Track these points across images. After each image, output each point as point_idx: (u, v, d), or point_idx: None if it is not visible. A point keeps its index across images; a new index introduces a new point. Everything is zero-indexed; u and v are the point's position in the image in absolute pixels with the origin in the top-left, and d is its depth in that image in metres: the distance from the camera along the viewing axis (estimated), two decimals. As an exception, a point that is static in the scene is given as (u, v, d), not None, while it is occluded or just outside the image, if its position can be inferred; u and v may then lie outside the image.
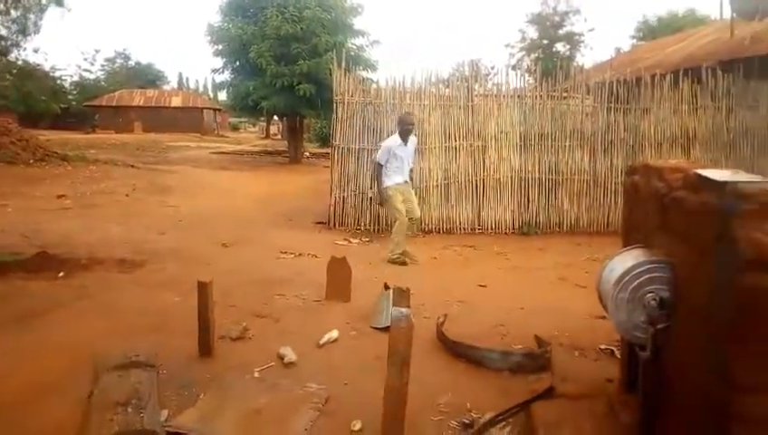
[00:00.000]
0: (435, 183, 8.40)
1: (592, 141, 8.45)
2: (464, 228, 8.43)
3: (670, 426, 2.12)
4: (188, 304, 3.74)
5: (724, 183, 1.82)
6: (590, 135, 8.46)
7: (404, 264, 6.34)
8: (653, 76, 8.58)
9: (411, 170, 6.91)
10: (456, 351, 3.44)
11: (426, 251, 7.29)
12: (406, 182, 6.72)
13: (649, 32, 31.36)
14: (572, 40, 32.75)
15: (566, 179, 8.49)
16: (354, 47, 17.95)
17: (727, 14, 12.23)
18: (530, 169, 8.47)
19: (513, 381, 3.12)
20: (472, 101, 8.44)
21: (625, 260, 2.33)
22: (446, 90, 8.89)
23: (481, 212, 8.48)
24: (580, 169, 8.47)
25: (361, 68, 17.10)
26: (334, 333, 3.65)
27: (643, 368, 2.20)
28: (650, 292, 2.17)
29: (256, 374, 3.14)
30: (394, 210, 6.61)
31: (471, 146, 8.40)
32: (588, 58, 36.79)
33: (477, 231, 8.41)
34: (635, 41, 31.01)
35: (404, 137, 6.55)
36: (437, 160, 8.39)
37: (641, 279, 2.19)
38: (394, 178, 6.57)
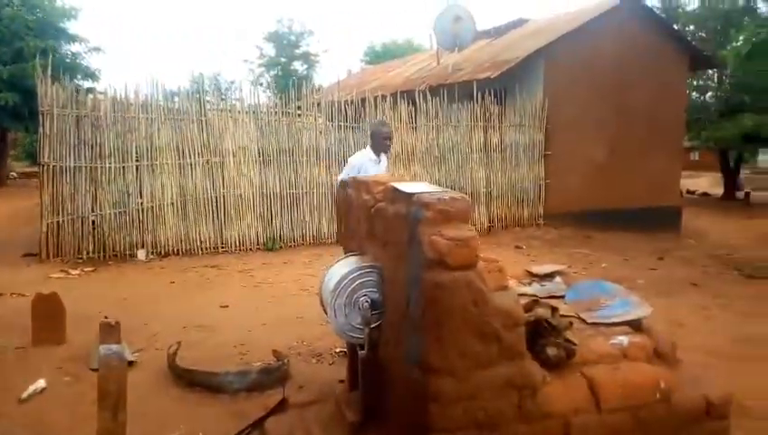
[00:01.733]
0: (170, 201, 7.90)
1: (327, 157, 8.94)
2: (206, 248, 8.10)
3: (388, 416, 2.32)
4: None
5: (411, 194, 2.08)
6: (325, 151, 8.94)
7: None
8: (376, 97, 9.49)
9: None
10: (191, 379, 3.26)
11: (163, 276, 6.79)
12: None
13: (375, 56, 34.69)
14: (309, 59, 34.38)
15: (306, 193, 8.81)
16: (70, 54, 15.94)
17: (435, 45, 14.14)
18: (271, 184, 8.56)
19: (249, 400, 3.08)
20: (205, 115, 8.19)
21: (341, 268, 2.49)
22: (177, 103, 8.43)
23: (224, 231, 8.27)
24: (318, 183, 8.88)
25: (80, 77, 15.26)
26: (40, 383, 3.14)
27: (362, 365, 2.37)
28: (363, 295, 2.36)
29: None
30: None
31: (207, 162, 8.13)
32: (324, 78, 39.11)
33: (221, 250, 8.17)
34: (363, 63, 33.98)
35: (377, 151, 5.05)
36: (171, 177, 7.91)
37: (355, 284, 2.36)
38: None
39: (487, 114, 9.84)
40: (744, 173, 25.34)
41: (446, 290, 1.92)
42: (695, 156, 38.11)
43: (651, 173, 10.75)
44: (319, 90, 10.74)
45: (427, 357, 1.94)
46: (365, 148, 5.16)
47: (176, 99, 8.44)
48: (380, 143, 4.96)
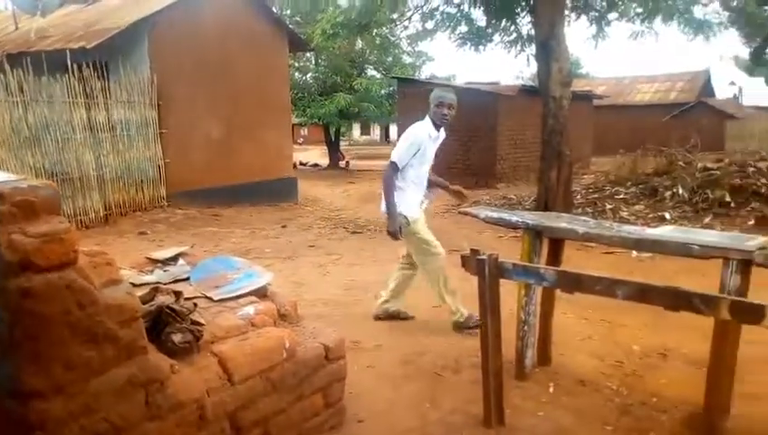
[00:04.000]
0: None
1: None
2: None
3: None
4: None
5: (-26, 184, 1.64)
6: None
7: (406, 318, 4.24)
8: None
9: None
10: None
11: None
12: (422, 202, 4.14)
13: None
14: None
15: None
16: None
17: (9, 5, 11.79)
18: None
19: None
20: None
21: None
22: None
23: None
24: None
25: None
26: None
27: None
28: None
29: None
30: (422, 246, 4.00)
31: None
32: None
33: None
34: None
35: (438, 125, 3.96)
36: None
37: None
38: (413, 198, 4.00)
39: (88, 89, 8.75)
40: (343, 145, 29.79)
41: (40, 297, 1.59)
42: (305, 131, 42.80)
43: (267, 148, 11.52)
44: None
45: (24, 381, 1.60)
46: (423, 120, 3.99)
47: None
48: (435, 114, 3.91)
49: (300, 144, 38.71)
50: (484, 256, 2.45)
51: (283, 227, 9.07)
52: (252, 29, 11.17)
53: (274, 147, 11.82)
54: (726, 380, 2.59)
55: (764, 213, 7.49)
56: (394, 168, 3.84)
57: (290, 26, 14.37)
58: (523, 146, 14.24)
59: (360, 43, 18.89)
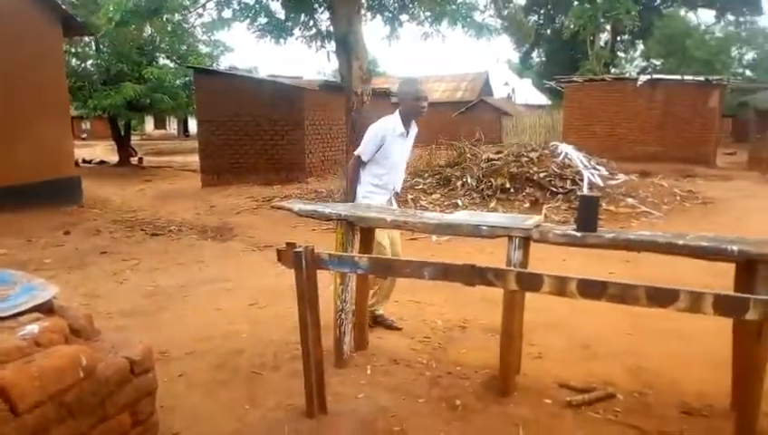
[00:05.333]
0: None
1: None
2: None
3: None
4: None
5: None
6: None
7: (391, 327, 3.85)
8: None
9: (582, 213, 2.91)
10: None
11: None
12: (390, 201, 3.76)
13: None
14: None
15: None
16: None
17: None
18: None
19: None
20: None
21: None
22: None
23: None
24: None
25: None
26: None
27: None
28: None
29: None
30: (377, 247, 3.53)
31: None
32: None
33: None
34: None
35: (408, 120, 3.69)
36: None
37: None
38: (377, 194, 3.70)
39: None
40: (135, 139, 27.31)
41: None
42: (87, 125, 38.28)
43: (41, 144, 10.01)
44: None
45: None
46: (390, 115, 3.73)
47: None
48: (412, 108, 3.65)
49: (83, 139, 34.57)
50: (300, 249, 2.44)
51: (67, 233, 8.01)
52: (17, 9, 9.60)
53: (50, 142, 10.32)
54: (516, 343, 2.96)
55: (537, 197, 8.72)
56: (357, 159, 3.71)
57: (63, 7, 12.69)
58: (331, 140, 14.55)
59: (149, 30, 17.39)
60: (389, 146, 3.65)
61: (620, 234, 2.60)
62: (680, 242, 2.41)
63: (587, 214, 2.66)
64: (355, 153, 3.77)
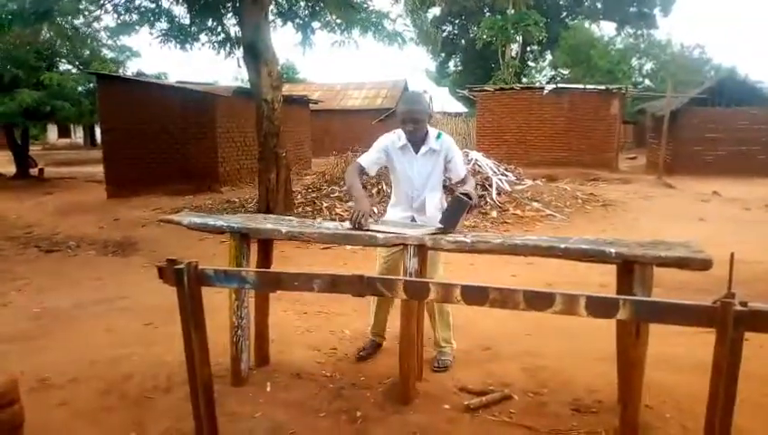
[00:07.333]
0: None
1: None
2: None
3: None
4: None
5: None
6: None
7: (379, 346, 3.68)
8: None
9: (447, 211, 3.00)
10: None
11: None
12: (413, 219, 3.37)
13: None
14: None
15: None
16: None
17: None
18: None
19: None
20: None
21: None
22: None
23: None
24: None
25: None
26: None
27: None
28: None
29: None
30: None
31: None
32: None
33: None
34: None
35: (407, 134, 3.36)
36: None
37: None
38: (393, 209, 3.53)
39: None
40: (35, 150, 25.42)
41: None
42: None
43: None
44: None
45: None
46: (436, 138, 3.46)
47: None
48: (407, 132, 3.35)
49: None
50: (182, 265, 2.31)
51: (-51, 252, 7.32)
52: None
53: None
54: (415, 350, 2.96)
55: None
56: (356, 165, 3.37)
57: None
58: (245, 148, 14.18)
59: (46, 33, 16.26)
60: (393, 159, 3.41)
61: (507, 239, 2.66)
62: (562, 246, 2.49)
63: (452, 213, 2.89)
64: (358, 160, 3.47)
